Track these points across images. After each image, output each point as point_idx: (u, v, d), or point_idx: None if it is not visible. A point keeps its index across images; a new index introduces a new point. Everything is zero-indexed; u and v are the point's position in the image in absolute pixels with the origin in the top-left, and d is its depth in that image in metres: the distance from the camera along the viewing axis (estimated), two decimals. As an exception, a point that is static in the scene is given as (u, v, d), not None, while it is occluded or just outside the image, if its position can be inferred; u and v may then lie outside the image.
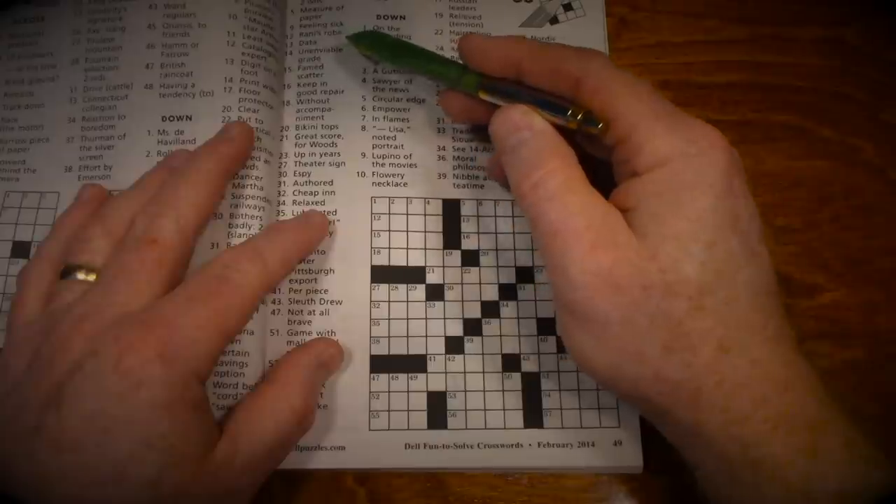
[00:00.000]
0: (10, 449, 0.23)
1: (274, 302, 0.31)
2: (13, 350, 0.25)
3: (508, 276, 0.32)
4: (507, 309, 0.31)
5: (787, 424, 0.23)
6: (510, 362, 0.31)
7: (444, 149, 0.34)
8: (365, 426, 0.30)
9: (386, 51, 0.33)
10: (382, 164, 0.33)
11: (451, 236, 0.32)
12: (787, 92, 0.36)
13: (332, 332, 0.31)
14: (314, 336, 0.31)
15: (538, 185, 0.25)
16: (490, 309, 0.31)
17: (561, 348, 0.31)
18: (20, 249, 0.32)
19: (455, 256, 0.32)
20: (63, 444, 0.22)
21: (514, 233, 0.32)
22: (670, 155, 0.24)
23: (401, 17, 0.35)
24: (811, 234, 0.33)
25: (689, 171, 0.24)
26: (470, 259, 0.32)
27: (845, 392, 0.31)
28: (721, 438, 0.23)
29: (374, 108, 0.34)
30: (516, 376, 0.30)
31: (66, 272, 0.27)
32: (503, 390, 0.30)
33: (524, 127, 0.26)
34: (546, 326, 0.31)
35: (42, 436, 0.22)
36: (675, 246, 0.23)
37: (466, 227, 0.32)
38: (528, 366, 0.31)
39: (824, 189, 0.34)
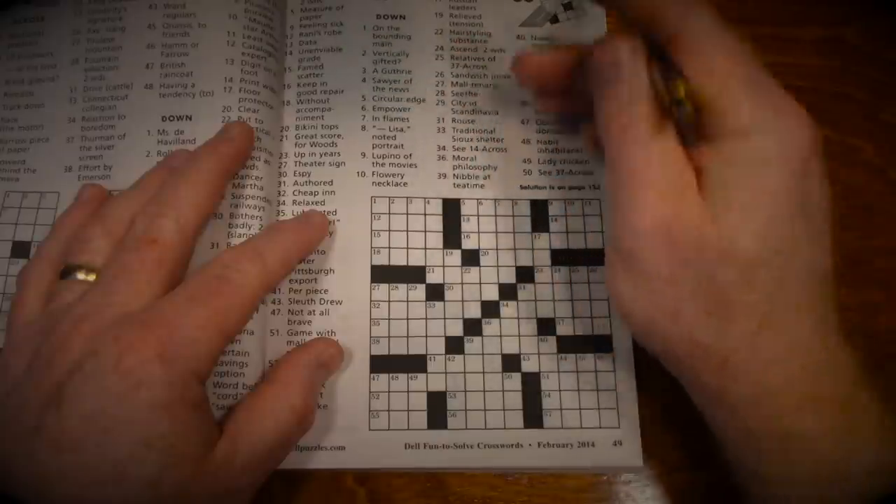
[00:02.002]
0: (10, 449, 0.23)
1: (274, 302, 0.31)
2: (13, 350, 0.25)
3: (509, 276, 0.32)
4: (508, 309, 0.31)
5: (818, 402, 0.23)
6: (510, 362, 0.31)
7: (444, 148, 0.34)
8: (365, 426, 0.30)
9: None
10: (382, 164, 0.33)
11: (452, 236, 0.32)
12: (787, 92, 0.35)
13: (332, 332, 0.31)
14: (314, 336, 0.31)
15: (628, 127, 0.25)
16: (490, 309, 0.31)
17: (561, 348, 0.31)
18: (20, 249, 0.32)
19: (455, 256, 0.32)
20: (63, 443, 0.22)
21: (514, 232, 0.32)
22: (753, 126, 0.24)
23: (401, 16, 0.35)
24: (811, 234, 0.33)
25: (768, 146, 0.24)
26: (470, 259, 0.32)
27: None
28: (746, 409, 0.24)
29: (374, 108, 0.34)
30: (516, 376, 0.30)
31: (66, 272, 0.27)
32: (503, 390, 0.30)
33: (628, 64, 0.25)
34: (546, 326, 0.31)
35: (42, 436, 0.22)
36: (738, 216, 0.23)
37: (467, 226, 0.32)
38: (528, 366, 0.31)
39: (824, 189, 0.34)
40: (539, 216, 0.33)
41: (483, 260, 0.32)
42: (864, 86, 0.36)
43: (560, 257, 0.32)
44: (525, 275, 0.32)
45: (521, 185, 0.33)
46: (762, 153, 0.24)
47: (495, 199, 0.33)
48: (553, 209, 0.33)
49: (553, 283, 0.32)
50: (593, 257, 0.32)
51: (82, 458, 0.22)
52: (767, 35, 0.37)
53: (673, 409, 0.30)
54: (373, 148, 0.33)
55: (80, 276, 0.26)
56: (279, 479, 0.29)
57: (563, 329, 0.31)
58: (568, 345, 0.31)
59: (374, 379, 0.30)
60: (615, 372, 0.30)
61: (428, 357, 0.31)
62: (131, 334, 0.23)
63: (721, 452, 0.26)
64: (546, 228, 0.32)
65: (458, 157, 0.34)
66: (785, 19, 0.37)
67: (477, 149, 0.34)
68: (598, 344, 0.31)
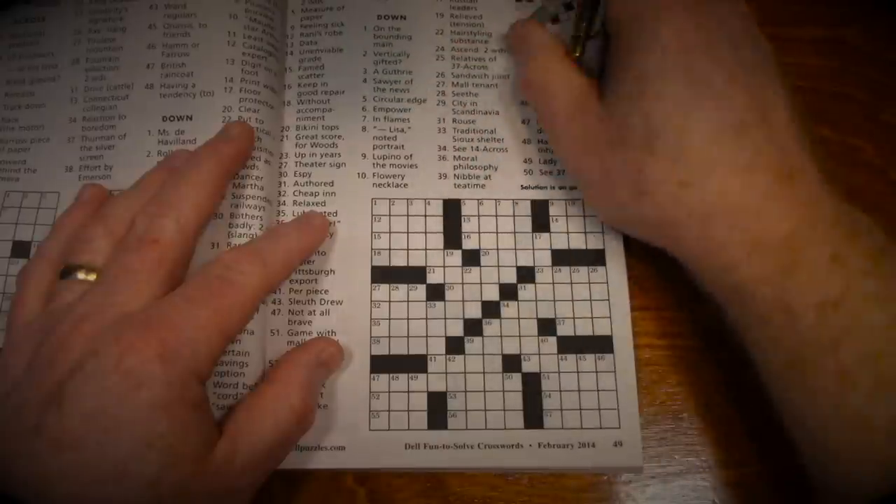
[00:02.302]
0: (10, 448, 0.23)
1: (274, 302, 0.31)
2: (13, 350, 0.25)
3: (509, 276, 0.32)
4: (508, 309, 0.31)
5: (762, 246, 0.24)
6: (511, 363, 0.31)
7: (444, 148, 0.34)
8: (365, 426, 0.30)
9: None
10: (383, 165, 0.33)
11: (452, 236, 0.32)
12: (787, 92, 0.36)
13: (332, 332, 0.31)
14: (314, 336, 0.31)
15: (528, 79, 0.31)
16: (491, 309, 0.31)
17: (562, 349, 0.31)
18: (20, 249, 0.32)
19: (456, 256, 0.32)
20: (63, 443, 0.22)
21: (514, 232, 0.32)
22: (625, 18, 0.28)
23: (401, 16, 0.35)
24: (811, 234, 0.33)
25: (639, 34, 0.27)
26: (471, 259, 0.32)
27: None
28: (703, 267, 0.26)
29: (374, 109, 0.34)
30: (517, 377, 0.30)
31: (67, 272, 0.27)
32: (503, 391, 0.30)
33: (519, 34, 0.33)
34: (547, 327, 0.31)
35: (42, 435, 0.22)
36: (626, 104, 0.27)
37: (467, 226, 0.32)
38: (529, 366, 0.31)
39: (825, 189, 0.34)
40: (540, 216, 0.33)
41: (483, 260, 0.32)
42: (864, 86, 0.35)
43: (560, 257, 0.32)
44: (526, 275, 0.32)
45: (521, 185, 0.33)
46: (634, 40, 0.27)
47: (496, 200, 0.33)
48: (554, 209, 0.33)
49: (554, 284, 0.32)
50: (594, 257, 0.32)
51: (82, 458, 0.22)
52: (767, 35, 0.36)
53: (673, 408, 0.30)
54: (373, 149, 0.33)
55: (81, 275, 0.26)
56: (279, 479, 0.29)
57: (564, 329, 0.31)
58: (568, 345, 0.31)
59: (374, 379, 0.30)
60: (616, 372, 0.30)
61: (428, 357, 0.31)
62: (132, 334, 0.23)
63: (707, 298, 0.27)
64: (547, 228, 0.32)
65: (459, 157, 0.34)
66: (785, 19, 0.37)
67: (478, 149, 0.34)
68: (599, 344, 0.31)
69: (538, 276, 0.32)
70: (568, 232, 0.32)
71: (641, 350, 0.31)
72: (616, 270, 0.32)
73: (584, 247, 0.32)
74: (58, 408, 0.22)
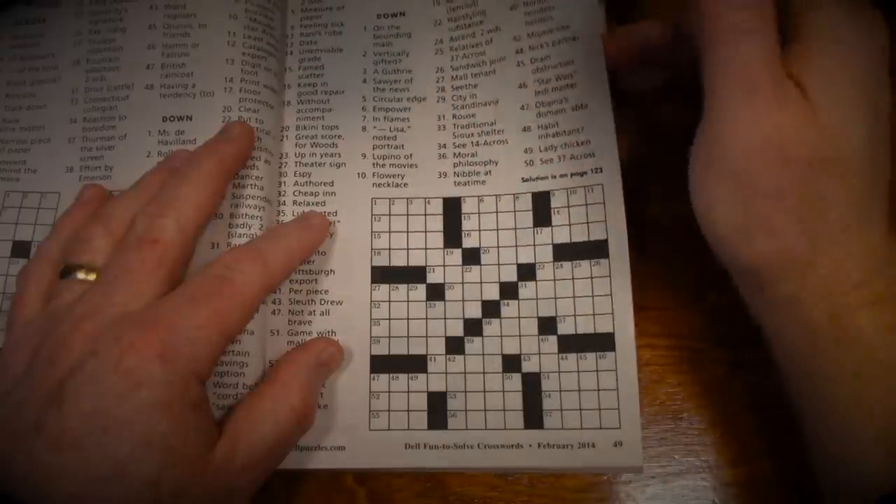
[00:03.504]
0: (10, 447, 0.23)
1: (274, 302, 0.31)
2: (13, 349, 0.25)
3: (510, 275, 0.32)
4: (508, 308, 0.31)
5: (882, 303, 0.23)
6: (511, 363, 0.30)
7: (444, 146, 0.34)
8: (365, 426, 0.30)
9: None
10: (383, 165, 0.33)
11: (452, 234, 0.32)
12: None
13: (332, 332, 0.31)
14: (314, 336, 0.31)
15: (738, 26, 0.23)
16: (491, 309, 0.31)
17: (562, 348, 0.31)
18: (20, 249, 0.32)
19: (456, 255, 0.32)
20: (63, 443, 0.22)
21: (515, 229, 0.32)
22: (837, 24, 0.24)
23: (400, 13, 0.35)
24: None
25: (856, 48, 0.24)
26: (471, 257, 0.32)
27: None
28: (816, 310, 0.24)
29: (374, 109, 0.34)
30: (517, 377, 0.30)
31: (67, 272, 0.27)
32: (503, 391, 0.30)
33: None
34: (547, 325, 0.31)
35: (42, 435, 0.22)
36: (842, 123, 0.24)
37: (467, 224, 0.32)
38: (529, 366, 0.30)
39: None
40: (541, 210, 0.32)
41: (484, 258, 0.32)
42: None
43: (562, 252, 0.32)
44: (527, 272, 0.32)
45: (522, 178, 0.33)
46: (852, 56, 0.24)
47: (496, 195, 0.33)
48: (555, 200, 0.32)
49: (555, 280, 0.31)
50: (597, 249, 0.31)
51: (82, 457, 0.22)
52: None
53: (673, 408, 0.30)
54: (373, 149, 0.33)
55: (81, 275, 0.26)
56: (279, 479, 0.29)
57: (565, 328, 0.31)
58: (569, 344, 0.31)
59: (374, 379, 0.30)
60: (616, 371, 0.30)
61: (428, 357, 0.31)
62: (132, 334, 0.23)
63: (771, 352, 0.26)
64: (548, 223, 0.32)
65: (459, 153, 0.34)
66: (786, 19, 0.37)
67: (478, 144, 0.34)
68: (600, 342, 0.30)
69: (539, 273, 0.31)
70: (570, 224, 0.32)
71: (642, 350, 0.31)
72: (619, 261, 0.31)
73: (586, 238, 0.31)
74: (58, 407, 0.22)
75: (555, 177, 0.32)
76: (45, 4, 0.35)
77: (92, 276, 0.26)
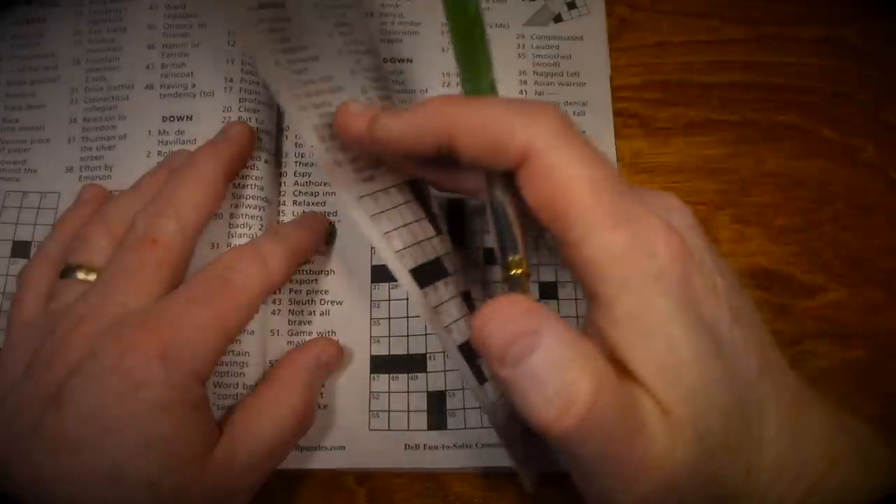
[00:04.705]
0: (10, 449, 0.23)
1: (274, 302, 0.31)
2: (13, 350, 0.25)
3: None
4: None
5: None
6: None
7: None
8: (365, 426, 0.30)
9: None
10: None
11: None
12: (787, 92, 0.36)
13: (332, 332, 0.31)
14: (314, 336, 0.31)
15: (568, 409, 0.18)
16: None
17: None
18: (20, 249, 0.32)
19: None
20: (62, 444, 0.22)
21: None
22: (626, 277, 0.20)
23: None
24: (811, 234, 0.33)
25: (651, 296, 0.20)
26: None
27: (845, 392, 0.31)
28: None
29: (374, 109, 0.34)
30: None
31: (67, 272, 0.27)
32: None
33: (533, 331, 0.19)
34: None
35: (41, 436, 0.22)
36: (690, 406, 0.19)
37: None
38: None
39: (824, 189, 0.34)
40: None
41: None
42: (864, 86, 0.35)
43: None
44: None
45: None
46: (650, 305, 0.20)
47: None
48: None
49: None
50: None
51: (82, 459, 0.22)
52: (768, 35, 0.37)
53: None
54: (373, 148, 0.33)
55: (81, 275, 0.26)
56: (279, 479, 0.29)
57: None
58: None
59: (374, 379, 0.30)
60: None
61: (428, 356, 0.31)
62: (132, 335, 0.23)
63: None
64: None
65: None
66: (786, 19, 0.37)
67: None
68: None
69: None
70: None
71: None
72: None
73: None
74: (57, 408, 0.22)
75: None
76: (45, 4, 0.35)
77: (92, 276, 0.26)
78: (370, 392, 0.30)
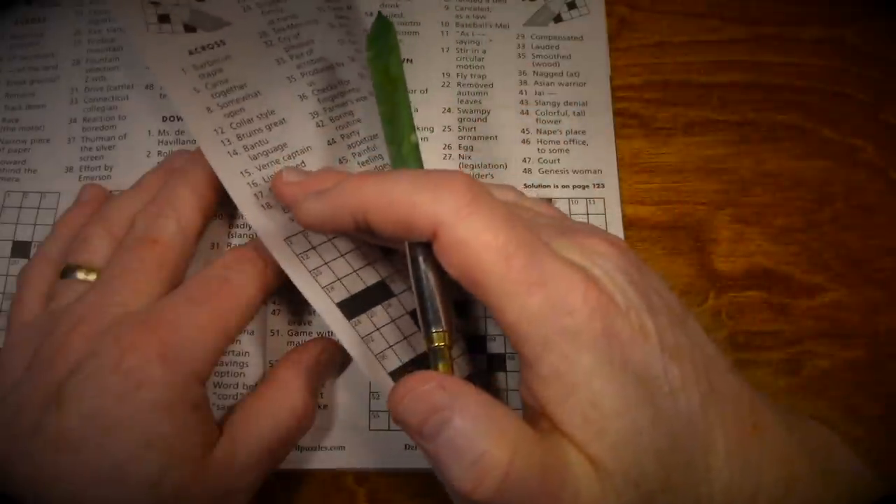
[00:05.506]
0: (10, 449, 0.23)
1: (274, 302, 0.31)
2: (13, 350, 0.25)
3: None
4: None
5: None
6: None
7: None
8: (365, 426, 0.30)
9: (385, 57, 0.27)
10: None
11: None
12: (787, 92, 0.36)
13: (332, 332, 0.31)
14: (315, 336, 0.31)
15: (483, 480, 0.19)
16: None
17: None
18: (20, 249, 0.32)
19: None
20: (63, 444, 0.22)
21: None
22: (546, 336, 0.20)
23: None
24: (811, 234, 0.33)
25: (572, 352, 0.20)
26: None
27: (845, 392, 0.31)
28: None
29: (374, 109, 0.34)
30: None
31: (67, 272, 0.27)
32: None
33: (445, 407, 0.20)
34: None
35: (41, 436, 0.22)
36: (620, 456, 0.20)
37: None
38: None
39: (824, 189, 0.34)
40: None
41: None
42: (864, 86, 0.36)
43: None
44: None
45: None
46: (574, 364, 0.20)
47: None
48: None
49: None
50: None
51: (82, 458, 0.22)
52: (768, 35, 0.37)
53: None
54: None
55: (81, 275, 0.26)
56: (279, 479, 0.29)
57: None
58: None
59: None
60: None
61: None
62: (132, 335, 0.23)
63: None
64: None
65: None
66: (786, 19, 0.37)
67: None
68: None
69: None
70: None
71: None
72: None
73: None
74: (57, 408, 0.22)
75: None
76: (45, 4, 0.35)
77: (92, 276, 0.26)
78: (370, 392, 0.30)
